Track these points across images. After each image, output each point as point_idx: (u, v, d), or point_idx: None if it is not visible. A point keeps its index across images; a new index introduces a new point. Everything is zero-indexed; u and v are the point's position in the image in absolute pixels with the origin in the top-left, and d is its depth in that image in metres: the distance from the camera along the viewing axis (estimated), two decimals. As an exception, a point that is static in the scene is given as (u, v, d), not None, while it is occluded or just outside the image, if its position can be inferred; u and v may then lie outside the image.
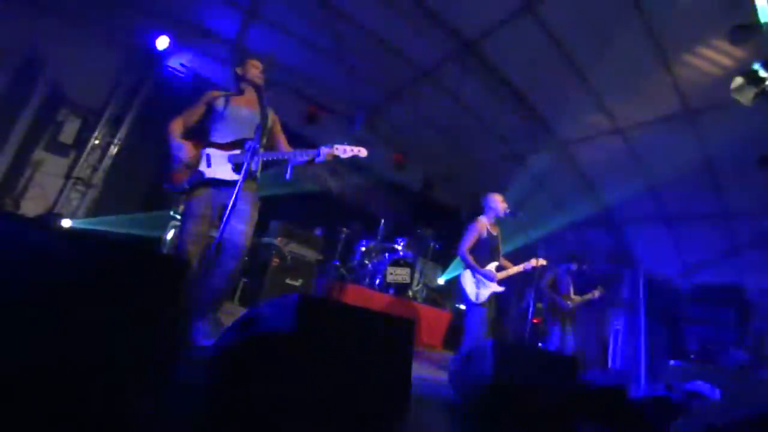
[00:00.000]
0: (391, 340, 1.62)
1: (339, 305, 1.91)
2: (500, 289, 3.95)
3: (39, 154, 5.30)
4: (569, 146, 6.10)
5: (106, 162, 5.50)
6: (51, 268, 0.98)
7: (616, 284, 6.96)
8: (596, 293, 5.31)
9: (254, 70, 2.77)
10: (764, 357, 4.93)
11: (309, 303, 1.50)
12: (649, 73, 4.32)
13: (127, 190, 5.57)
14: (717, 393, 2.25)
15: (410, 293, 6.05)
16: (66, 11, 5.03)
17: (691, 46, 3.91)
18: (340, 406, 1.36)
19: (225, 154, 2.55)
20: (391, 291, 5.86)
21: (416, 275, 6.14)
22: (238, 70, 2.81)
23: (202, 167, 2.52)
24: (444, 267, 7.15)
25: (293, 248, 5.12)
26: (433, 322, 5.81)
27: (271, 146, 2.83)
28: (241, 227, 2.48)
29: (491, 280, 3.90)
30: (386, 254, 6.15)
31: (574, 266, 5.43)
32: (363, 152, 2.69)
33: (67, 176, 5.37)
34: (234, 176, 2.48)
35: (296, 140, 2.97)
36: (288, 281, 4.94)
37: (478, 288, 3.89)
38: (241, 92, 2.77)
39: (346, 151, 2.64)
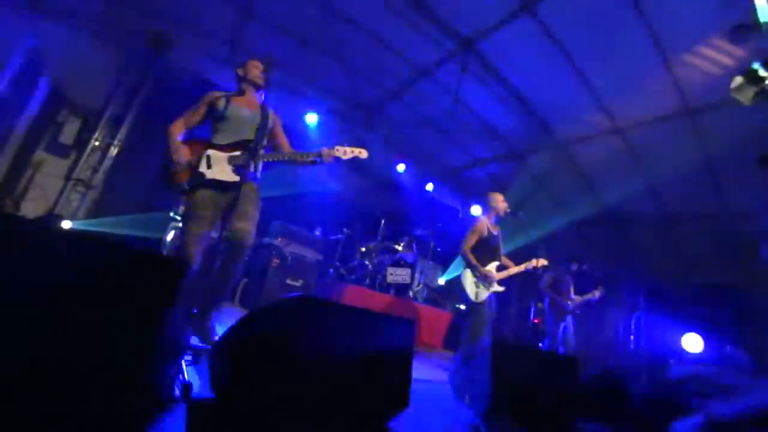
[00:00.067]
0: (392, 340, 1.62)
1: (339, 305, 1.91)
2: (501, 288, 3.96)
3: (39, 155, 5.31)
4: (569, 146, 6.10)
5: (106, 163, 5.50)
6: (51, 269, 0.98)
7: (617, 284, 6.95)
8: (596, 293, 5.31)
9: (255, 70, 2.78)
10: (764, 355, 4.93)
11: (309, 303, 1.50)
12: (649, 72, 4.32)
13: (127, 192, 5.58)
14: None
15: (410, 293, 6.05)
16: (66, 12, 5.03)
17: (690, 45, 3.91)
18: (340, 406, 1.37)
19: (226, 155, 2.55)
20: (392, 291, 5.86)
21: (416, 275, 6.14)
22: (239, 71, 2.82)
23: (203, 168, 2.52)
24: (444, 267, 7.15)
25: (293, 249, 5.12)
26: (433, 322, 5.81)
27: (272, 147, 2.83)
28: (244, 227, 2.48)
29: (492, 279, 3.90)
30: (386, 254, 6.15)
31: (574, 266, 5.43)
32: (364, 154, 2.69)
33: (67, 177, 5.37)
34: (235, 177, 2.49)
35: (295, 141, 2.97)
36: (288, 281, 4.95)
37: (479, 287, 3.90)
38: (242, 93, 2.78)
39: (346, 152, 2.65)
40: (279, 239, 5.05)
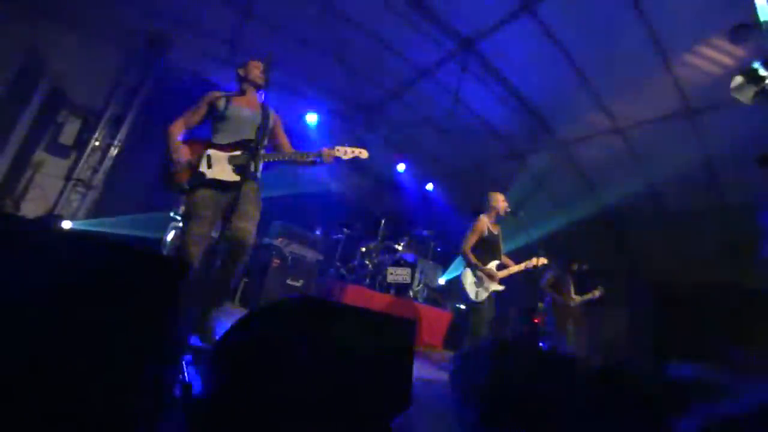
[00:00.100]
0: (392, 340, 1.62)
1: (339, 305, 1.91)
2: (501, 287, 3.96)
3: (39, 155, 5.31)
4: (569, 146, 6.10)
5: (107, 163, 5.50)
6: (51, 270, 0.98)
7: (617, 284, 6.95)
8: (597, 293, 5.32)
9: (255, 70, 2.78)
10: (763, 353, 4.93)
11: (309, 303, 1.50)
12: (649, 72, 4.31)
13: (127, 192, 5.58)
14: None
15: (411, 293, 6.05)
16: (66, 12, 5.03)
17: (690, 45, 3.91)
18: (340, 406, 1.36)
19: (226, 155, 2.55)
20: (392, 291, 5.86)
21: (417, 275, 6.14)
22: (240, 71, 2.82)
23: (203, 168, 2.52)
24: (444, 267, 7.15)
25: (294, 249, 5.12)
26: (433, 322, 5.81)
27: (273, 147, 2.83)
28: (245, 226, 2.48)
29: (492, 278, 3.91)
30: (386, 254, 6.15)
31: (574, 266, 5.43)
32: (364, 154, 2.69)
33: (68, 177, 5.37)
34: (235, 177, 2.49)
35: (296, 141, 2.97)
36: (289, 282, 4.95)
37: (479, 287, 3.89)
38: (242, 93, 2.78)
39: (347, 152, 2.65)
40: (279, 239, 5.05)
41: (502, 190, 4.44)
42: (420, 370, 3.30)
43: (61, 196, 5.30)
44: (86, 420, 0.86)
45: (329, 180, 7.30)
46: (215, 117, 2.66)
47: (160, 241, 4.85)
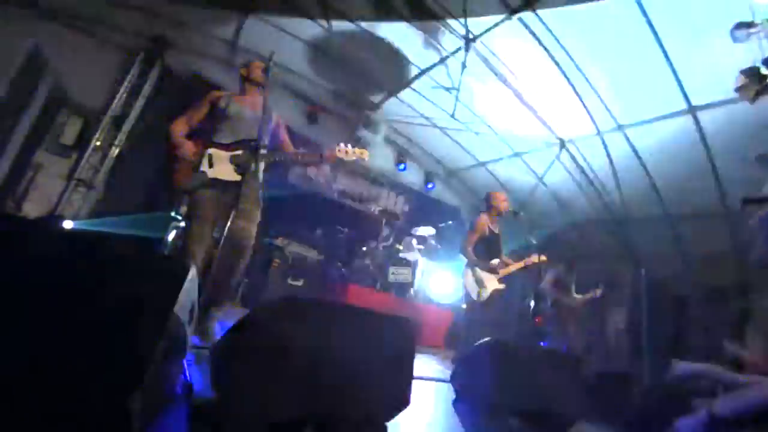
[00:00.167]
0: (393, 339, 1.62)
1: (340, 305, 1.91)
2: (502, 286, 3.96)
3: (40, 155, 5.31)
4: (570, 145, 6.09)
5: (108, 163, 5.50)
6: (53, 270, 0.98)
7: (618, 283, 6.94)
8: (597, 292, 5.31)
9: (257, 70, 2.78)
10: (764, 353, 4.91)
11: (310, 303, 1.50)
12: (650, 71, 4.30)
13: (128, 191, 5.57)
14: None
15: (412, 293, 6.05)
16: (66, 12, 5.04)
17: (693, 43, 3.90)
18: (340, 405, 1.36)
19: (228, 154, 2.55)
20: (393, 291, 5.86)
21: (418, 275, 6.14)
22: (243, 71, 2.82)
23: (205, 167, 2.52)
24: (445, 266, 7.13)
25: (294, 249, 5.12)
26: (434, 321, 5.81)
27: (274, 147, 2.83)
28: (246, 226, 2.48)
29: (493, 276, 3.91)
30: (387, 254, 6.15)
31: (575, 265, 5.42)
32: (365, 155, 2.69)
33: (69, 178, 5.37)
34: (236, 177, 2.48)
35: (297, 141, 2.97)
36: (289, 282, 4.95)
37: (480, 286, 3.89)
38: (244, 92, 2.78)
39: (348, 153, 2.64)
40: (280, 239, 5.05)
41: (503, 190, 4.44)
42: (421, 370, 3.30)
43: (63, 197, 5.30)
44: (86, 420, 0.86)
45: (330, 180, 7.30)
46: (217, 116, 2.66)
47: (162, 241, 4.85)
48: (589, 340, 6.03)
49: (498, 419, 2.00)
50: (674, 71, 4.22)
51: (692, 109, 4.57)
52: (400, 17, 4.70)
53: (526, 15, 4.26)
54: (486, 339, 2.22)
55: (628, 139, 5.42)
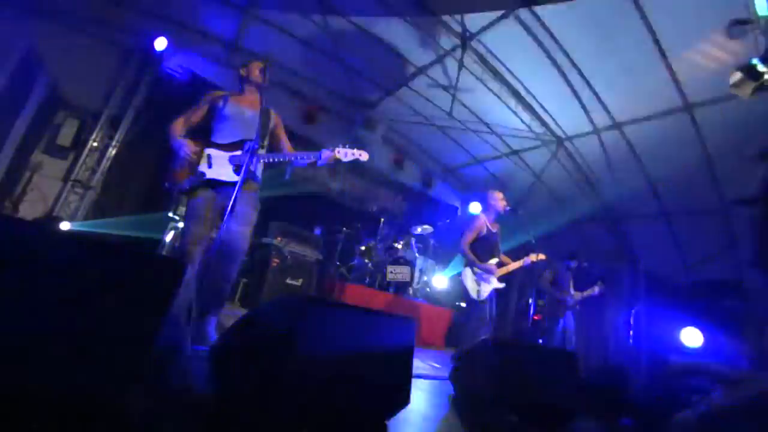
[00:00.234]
0: (392, 338, 1.62)
1: (339, 304, 1.91)
2: (500, 285, 3.97)
3: (37, 156, 5.28)
4: (567, 143, 6.11)
5: (105, 164, 5.48)
6: (50, 271, 0.98)
7: (616, 280, 6.96)
8: (596, 289, 5.32)
9: (256, 70, 2.77)
10: (764, 350, 4.94)
11: (309, 303, 1.50)
12: (648, 68, 4.31)
13: (125, 192, 5.56)
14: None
15: (410, 291, 6.06)
16: (63, 13, 5.01)
17: (689, 40, 3.91)
18: (340, 404, 1.37)
19: (226, 154, 2.54)
20: (392, 290, 5.86)
21: (416, 273, 6.14)
22: (242, 71, 2.81)
23: (203, 168, 2.52)
24: (444, 265, 7.15)
25: (293, 248, 5.11)
26: (433, 319, 5.82)
27: (273, 147, 2.82)
28: (241, 229, 2.47)
29: (492, 275, 3.92)
30: (386, 253, 6.15)
31: (573, 263, 5.43)
32: (364, 156, 2.68)
33: (66, 179, 5.35)
34: (235, 177, 2.47)
35: (296, 140, 2.96)
36: (288, 281, 4.94)
37: (479, 285, 3.90)
38: (243, 92, 2.78)
39: (347, 154, 2.63)
40: (278, 239, 5.04)
41: (501, 188, 4.45)
42: (421, 368, 3.30)
43: (60, 198, 5.28)
44: (86, 419, 0.86)
45: (329, 180, 7.29)
46: (215, 116, 2.66)
47: (159, 242, 4.84)
48: (588, 337, 6.05)
49: (497, 416, 2.01)
50: (670, 69, 4.24)
51: (688, 107, 4.59)
52: (397, 13, 4.70)
53: (524, 13, 4.28)
54: (485, 337, 2.23)
55: (624, 136, 5.44)
